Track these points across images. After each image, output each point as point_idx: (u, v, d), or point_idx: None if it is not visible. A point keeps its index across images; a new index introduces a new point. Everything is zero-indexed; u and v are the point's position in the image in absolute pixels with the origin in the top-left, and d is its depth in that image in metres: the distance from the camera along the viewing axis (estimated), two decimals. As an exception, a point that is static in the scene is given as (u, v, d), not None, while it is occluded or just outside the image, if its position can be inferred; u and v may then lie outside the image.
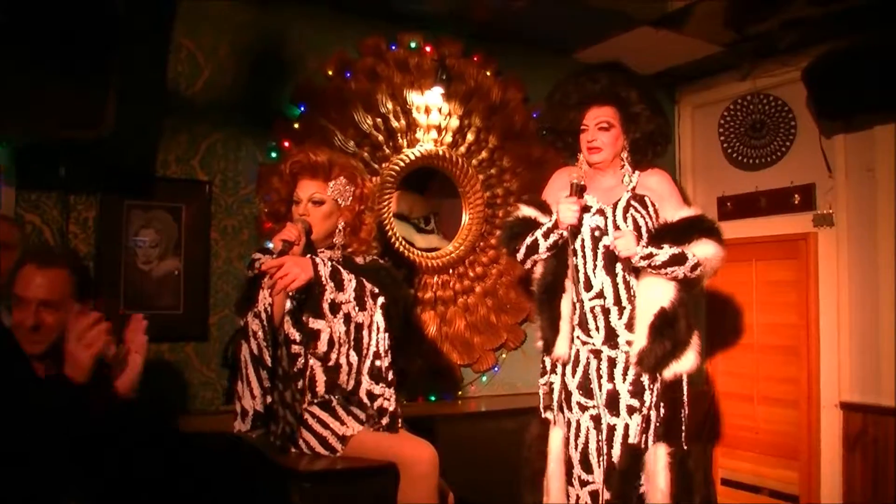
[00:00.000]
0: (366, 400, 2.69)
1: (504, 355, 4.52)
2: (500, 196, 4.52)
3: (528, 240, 3.02)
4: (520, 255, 3.07)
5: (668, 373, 2.91)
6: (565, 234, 2.96)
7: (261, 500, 2.79)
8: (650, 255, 2.84)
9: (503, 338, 4.49)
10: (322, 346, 2.63)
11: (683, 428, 2.95)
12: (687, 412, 2.97)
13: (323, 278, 2.60)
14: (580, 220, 2.97)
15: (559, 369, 3.05)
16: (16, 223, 3.13)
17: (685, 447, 2.93)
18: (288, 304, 2.71)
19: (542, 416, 3.10)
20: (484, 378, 4.45)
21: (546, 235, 2.98)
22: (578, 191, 2.97)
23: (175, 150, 3.63)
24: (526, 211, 3.13)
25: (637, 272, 2.96)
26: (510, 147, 4.55)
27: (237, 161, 3.78)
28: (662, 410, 2.93)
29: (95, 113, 3.01)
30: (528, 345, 4.54)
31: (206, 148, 3.71)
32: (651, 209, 3.02)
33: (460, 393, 4.35)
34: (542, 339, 3.06)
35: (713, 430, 4.78)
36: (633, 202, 3.01)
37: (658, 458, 2.87)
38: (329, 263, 2.65)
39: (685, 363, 2.92)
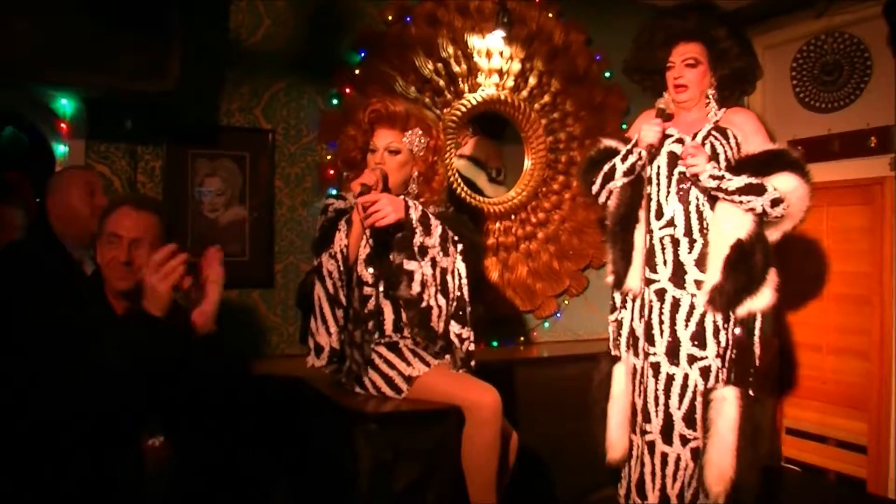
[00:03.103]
0: (456, 342, 2.76)
1: (566, 301, 4.51)
2: (562, 141, 4.46)
3: (606, 167, 3.00)
4: (595, 187, 3.04)
5: (742, 310, 2.79)
6: (643, 153, 2.90)
7: (326, 441, 2.86)
8: (721, 178, 2.75)
9: (565, 284, 4.47)
10: (416, 287, 2.68)
11: (752, 375, 2.80)
12: (758, 357, 2.81)
13: (413, 221, 2.64)
14: (661, 142, 2.91)
15: (629, 304, 3.00)
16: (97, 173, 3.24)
17: (752, 395, 2.79)
18: (363, 247, 2.75)
19: (611, 353, 3.06)
20: (546, 324, 4.45)
21: (624, 158, 2.95)
22: (664, 115, 2.94)
23: (238, 99, 3.67)
24: (608, 142, 3.11)
25: (713, 201, 2.85)
26: (573, 91, 4.47)
27: (299, 109, 3.80)
28: (731, 355, 2.81)
29: (161, 65, 3.06)
30: (590, 291, 4.53)
31: (269, 97, 3.74)
32: (732, 140, 2.92)
33: (522, 339, 4.37)
34: (613, 273, 3.02)
35: (781, 380, 4.70)
36: (713, 132, 2.93)
37: (724, 404, 2.76)
38: (419, 207, 2.69)
39: (761, 300, 2.79)
